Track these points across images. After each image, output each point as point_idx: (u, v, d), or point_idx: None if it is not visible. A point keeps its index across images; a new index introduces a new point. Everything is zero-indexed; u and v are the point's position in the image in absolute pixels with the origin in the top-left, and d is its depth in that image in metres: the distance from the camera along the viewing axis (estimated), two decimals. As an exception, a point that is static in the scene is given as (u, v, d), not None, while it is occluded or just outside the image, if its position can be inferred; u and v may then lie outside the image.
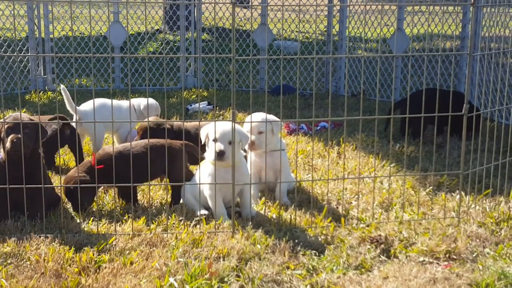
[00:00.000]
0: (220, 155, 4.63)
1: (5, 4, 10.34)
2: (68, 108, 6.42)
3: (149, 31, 13.18)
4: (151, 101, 6.79)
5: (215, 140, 4.67)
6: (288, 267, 3.99)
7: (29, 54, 7.48)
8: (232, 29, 4.48)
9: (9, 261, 4.02)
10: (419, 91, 6.96)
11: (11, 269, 3.91)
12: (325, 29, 10.64)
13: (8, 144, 4.58)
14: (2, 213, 4.59)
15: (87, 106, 6.51)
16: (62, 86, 6.37)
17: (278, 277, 3.86)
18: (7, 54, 5.87)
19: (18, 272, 3.89)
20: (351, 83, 9.81)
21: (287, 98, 8.97)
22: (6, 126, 4.63)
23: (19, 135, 4.55)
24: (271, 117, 5.23)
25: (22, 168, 4.51)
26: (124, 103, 6.71)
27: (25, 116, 4.76)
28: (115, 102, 6.47)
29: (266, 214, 4.84)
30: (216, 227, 4.57)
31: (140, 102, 6.80)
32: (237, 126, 4.67)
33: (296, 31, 12.30)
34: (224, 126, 4.71)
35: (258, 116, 5.17)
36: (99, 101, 6.42)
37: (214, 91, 5.09)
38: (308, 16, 12.17)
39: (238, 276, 3.87)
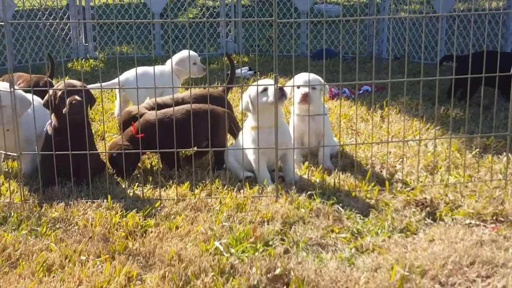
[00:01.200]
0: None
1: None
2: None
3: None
4: (183, 53, 6.72)
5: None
6: (332, 231, 3.98)
7: (70, 21, 7.56)
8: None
9: (57, 226, 4.10)
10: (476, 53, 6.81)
11: (60, 234, 3.99)
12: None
13: (66, 107, 4.62)
14: (50, 179, 4.67)
15: (129, 73, 6.54)
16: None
17: (323, 241, 3.85)
18: (49, 21, 5.90)
19: (66, 236, 3.96)
20: (393, 46, 9.62)
21: (329, 62, 8.86)
22: (60, 91, 4.67)
23: (77, 97, 4.59)
24: (318, 78, 5.17)
25: (77, 132, 4.60)
26: (166, 67, 6.70)
27: (77, 82, 4.80)
28: (157, 67, 6.48)
29: (309, 178, 4.81)
30: (260, 191, 4.57)
31: (173, 59, 6.65)
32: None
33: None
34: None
35: (306, 75, 5.10)
36: (141, 68, 6.45)
37: (256, 57, 5.02)
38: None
39: (282, 239, 3.87)
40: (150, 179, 4.85)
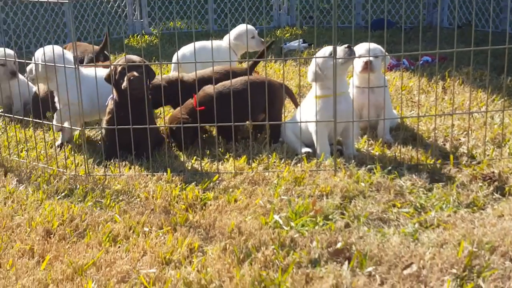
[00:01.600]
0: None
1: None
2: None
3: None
4: (240, 27, 6.70)
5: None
6: (394, 205, 3.92)
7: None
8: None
9: (120, 198, 4.19)
10: None
11: (123, 205, 4.08)
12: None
13: (125, 83, 4.69)
14: (112, 152, 4.76)
15: (185, 48, 6.57)
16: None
17: (384, 215, 3.80)
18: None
19: (129, 208, 4.04)
20: (455, 14, 9.34)
21: (383, 32, 8.66)
22: (120, 67, 4.73)
23: (136, 73, 4.65)
24: (379, 48, 5.06)
25: (137, 107, 4.66)
26: (223, 43, 6.70)
27: (136, 58, 4.85)
28: (214, 42, 6.48)
29: (368, 152, 4.75)
30: (318, 165, 4.55)
31: (231, 34, 6.64)
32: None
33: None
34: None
35: (367, 45, 5.00)
36: (198, 43, 6.46)
37: (314, 28, 4.96)
38: None
39: (342, 214, 3.84)
40: (208, 152, 4.88)
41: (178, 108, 5.05)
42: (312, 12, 10.45)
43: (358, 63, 4.95)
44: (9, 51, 5.99)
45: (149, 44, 9.63)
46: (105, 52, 6.60)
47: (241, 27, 6.70)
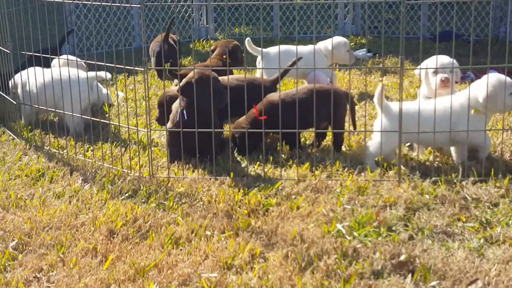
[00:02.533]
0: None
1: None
2: (250, 50, 6.70)
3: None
4: (339, 38, 6.72)
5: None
6: (459, 219, 3.84)
7: (198, 3, 7.81)
8: (402, -29, 4.28)
9: (183, 201, 4.24)
10: None
11: (186, 208, 4.13)
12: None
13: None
14: (177, 155, 4.82)
15: (270, 50, 6.65)
16: (248, 39, 6.56)
17: (449, 229, 3.72)
18: (181, 3, 6.12)
19: (192, 211, 4.09)
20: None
21: (449, 45, 8.50)
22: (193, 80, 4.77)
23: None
24: (447, 59, 4.97)
25: (203, 115, 4.73)
26: (308, 48, 6.67)
27: (207, 71, 4.87)
28: (308, 47, 6.54)
29: (433, 164, 4.66)
30: (381, 175, 4.49)
31: (326, 43, 6.70)
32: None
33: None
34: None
35: (443, 58, 4.93)
36: (282, 47, 6.49)
37: (382, 39, 4.94)
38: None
39: (406, 225, 3.78)
40: (271, 158, 4.89)
41: (243, 117, 5.07)
42: (377, 22, 10.35)
43: (434, 80, 4.88)
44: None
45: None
46: (169, 40, 6.72)
47: (338, 39, 6.74)
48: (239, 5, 10.97)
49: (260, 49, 6.66)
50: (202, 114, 4.71)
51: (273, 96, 5.07)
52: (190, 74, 4.81)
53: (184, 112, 4.75)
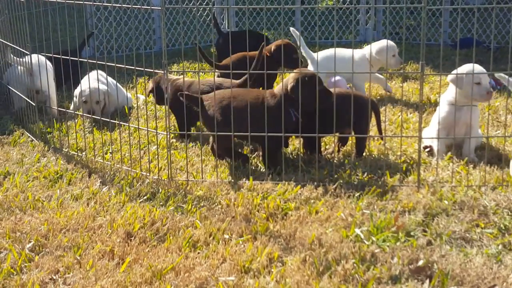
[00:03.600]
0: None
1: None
2: (303, 52, 6.72)
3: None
4: (383, 42, 6.64)
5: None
6: (477, 225, 3.81)
7: (222, 6, 7.85)
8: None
9: (202, 204, 4.25)
10: None
11: (204, 211, 4.14)
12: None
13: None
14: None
15: (320, 55, 6.58)
16: (292, 28, 6.57)
17: (467, 235, 3.70)
18: (203, 6, 6.18)
19: (210, 214, 4.10)
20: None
21: (470, 51, 8.45)
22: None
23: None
24: (480, 68, 4.93)
25: None
26: (359, 54, 6.64)
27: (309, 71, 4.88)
28: (345, 51, 6.43)
29: (453, 170, 4.63)
30: (401, 180, 4.48)
31: (372, 47, 6.63)
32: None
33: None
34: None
35: (476, 67, 4.88)
36: (330, 51, 6.48)
37: (403, 45, 4.96)
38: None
39: (424, 231, 3.76)
40: (290, 163, 4.89)
41: None
42: (398, 28, 10.31)
43: (479, 91, 4.85)
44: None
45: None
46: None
47: (383, 43, 6.66)
48: (260, 9, 10.98)
49: (309, 51, 6.72)
50: (305, 115, 4.72)
51: None
52: (295, 75, 4.75)
53: (294, 112, 4.72)
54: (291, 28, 6.76)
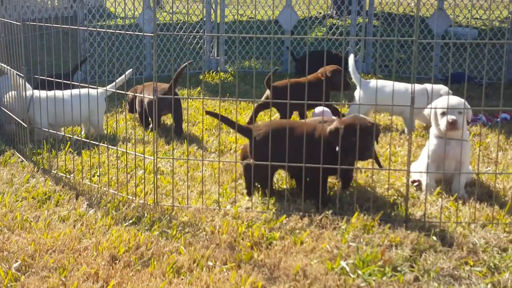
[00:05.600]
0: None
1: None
2: (352, 77, 6.77)
3: (317, 16, 13.16)
4: (446, 88, 6.58)
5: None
6: (466, 263, 3.77)
7: (213, 34, 7.88)
8: (416, 11, 4.30)
9: (186, 230, 4.20)
10: None
11: (188, 238, 4.08)
12: (509, 15, 9.96)
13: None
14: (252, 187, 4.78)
15: (372, 83, 6.71)
16: (351, 56, 6.65)
17: (456, 272, 3.66)
18: (193, 33, 6.24)
19: (195, 240, 4.04)
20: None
21: (461, 86, 8.52)
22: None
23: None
24: (463, 102, 4.94)
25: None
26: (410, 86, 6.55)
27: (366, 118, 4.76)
28: (402, 85, 6.52)
29: (441, 205, 4.61)
30: (388, 214, 4.44)
31: (439, 88, 6.57)
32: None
33: (476, 17, 11.67)
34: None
35: (452, 99, 4.90)
36: (382, 81, 6.59)
37: (393, 78, 4.98)
38: (483, 2, 11.47)
39: (412, 266, 3.72)
40: (276, 192, 4.85)
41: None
42: (388, 61, 10.39)
43: (443, 121, 4.84)
44: None
45: (223, 81, 9.77)
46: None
47: (446, 89, 6.55)
48: (250, 38, 11.05)
49: (359, 78, 6.80)
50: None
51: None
52: (351, 120, 4.60)
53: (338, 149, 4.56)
54: (351, 55, 6.81)
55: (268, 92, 6.63)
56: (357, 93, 6.89)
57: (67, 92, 5.75)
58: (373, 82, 6.81)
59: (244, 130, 4.85)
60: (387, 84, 6.53)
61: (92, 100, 5.45)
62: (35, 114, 5.98)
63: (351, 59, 6.86)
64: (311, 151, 4.56)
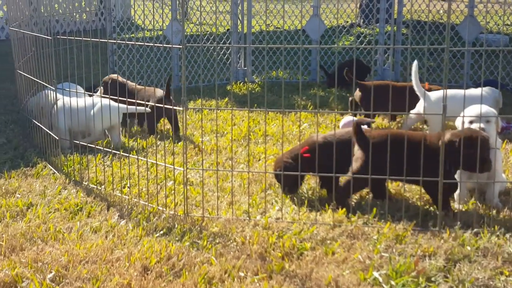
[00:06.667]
0: None
1: (207, 1, 10.91)
2: (415, 88, 6.45)
3: (344, 25, 13.13)
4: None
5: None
6: (501, 273, 3.70)
7: (230, 45, 7.92)
8: (447, 19, 4.26)
9: (217, 241, 4.19)
10: None
11: (219, 248, 4.08)
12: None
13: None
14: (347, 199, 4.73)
15: (437, 94, 6.44)
16: (415, 62, 6.42)
17: (491, 282, 3.60)
18: (221, 44, 6.27)
19: (226, 251, 4.03)
20: None
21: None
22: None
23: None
24: (491, 110, 4.88)
25: None
26: (476, 92, 6.33)
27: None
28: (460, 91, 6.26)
29: (475, 215, 4.53)
30: (420, 224, 4.39)
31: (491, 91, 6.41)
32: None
33: (507, 24, 11.52)
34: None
35: (478, 107, 4.84)
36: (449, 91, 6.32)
37: (424, 87, 4.93)
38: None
39: (446, 277, 3.67)
40: (306, 202, 4.83)
41: (286, 152, 5.05)
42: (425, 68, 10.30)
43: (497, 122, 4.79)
44: None
45: (251, 91, 9.79)
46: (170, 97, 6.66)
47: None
48: (277, 48, 11.05)
49: (422, 88, 6.46)
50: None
51: (319, 136, 4.99)
52: (468, 132, 4.54)
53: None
54: (415, 62, 6.54)
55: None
56: (420, 105, 6.48)
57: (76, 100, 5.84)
58: (435, 94, 6.49)
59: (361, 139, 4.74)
60: (454, 94, 6.03)
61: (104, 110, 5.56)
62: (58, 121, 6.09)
63: (414, 65, 6.38)
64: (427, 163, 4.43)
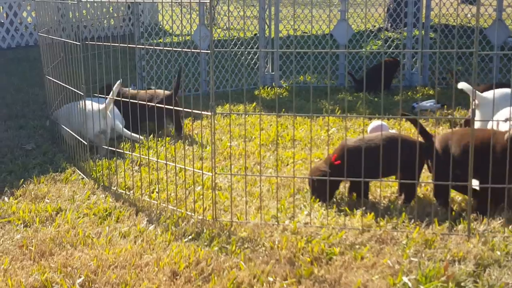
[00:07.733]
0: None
1: (234, 6, 10.95)
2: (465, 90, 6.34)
3: (372, 29, 13.08)
4: None
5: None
6: (533, 279, 3.66)
7: (257, 49, 7.95)
8: (476, 23, 4.24)
9: (245, 245, 4.21)
10: None
11: (248, 253, 4.10)
12: None
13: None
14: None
15: (490, 94, 6.17)
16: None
17: (522, 288, 3.56)
18: (248, 49, 6.30)
19: (254, 256, 4.05)
20: None
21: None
22: None
23: None
24: None
25: None
26: None
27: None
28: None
29: (504, 219, 4.49)
30: (450, 229, 4.36)
31: None
32: None
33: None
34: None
35: (510, 111, 4.80)
36: (500, 90, 6.05)
37: (453, 90, 4.88)
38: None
39: (476, 282, 3.64)
40: (334, 206, 4.83)
41: (322, 160, 5.06)
42: (445, 73, 10.22)
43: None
44: None
45: (278, 96, 9.80)
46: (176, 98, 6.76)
47: None
48: (305, 53, 11.06)
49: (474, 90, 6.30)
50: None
51: (349, 141, 5.00)
52: None
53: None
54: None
55: None
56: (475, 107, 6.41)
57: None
58: (490, 94, 6.16)
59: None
60: (504, 93, 5.88)
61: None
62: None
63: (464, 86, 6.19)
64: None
